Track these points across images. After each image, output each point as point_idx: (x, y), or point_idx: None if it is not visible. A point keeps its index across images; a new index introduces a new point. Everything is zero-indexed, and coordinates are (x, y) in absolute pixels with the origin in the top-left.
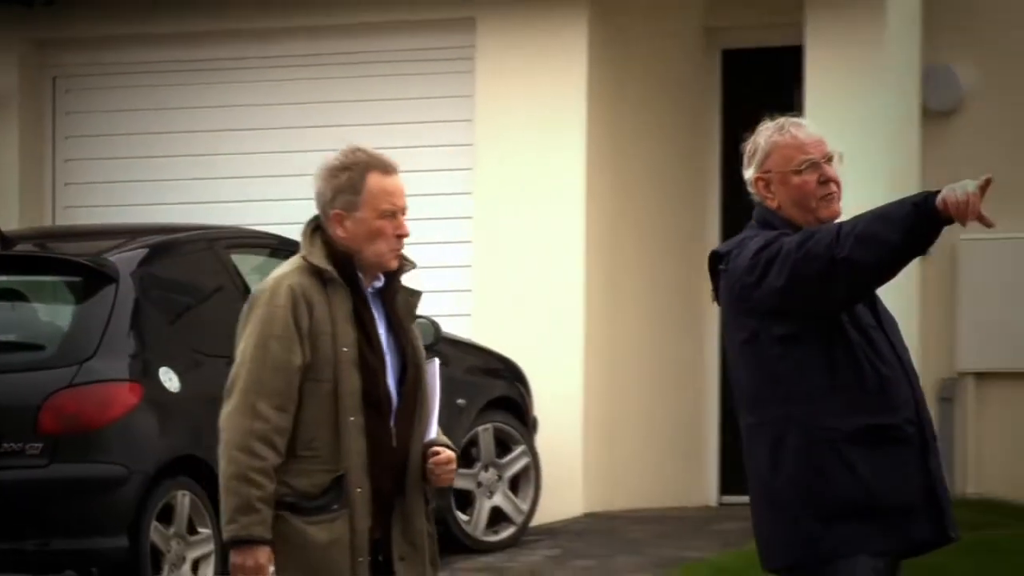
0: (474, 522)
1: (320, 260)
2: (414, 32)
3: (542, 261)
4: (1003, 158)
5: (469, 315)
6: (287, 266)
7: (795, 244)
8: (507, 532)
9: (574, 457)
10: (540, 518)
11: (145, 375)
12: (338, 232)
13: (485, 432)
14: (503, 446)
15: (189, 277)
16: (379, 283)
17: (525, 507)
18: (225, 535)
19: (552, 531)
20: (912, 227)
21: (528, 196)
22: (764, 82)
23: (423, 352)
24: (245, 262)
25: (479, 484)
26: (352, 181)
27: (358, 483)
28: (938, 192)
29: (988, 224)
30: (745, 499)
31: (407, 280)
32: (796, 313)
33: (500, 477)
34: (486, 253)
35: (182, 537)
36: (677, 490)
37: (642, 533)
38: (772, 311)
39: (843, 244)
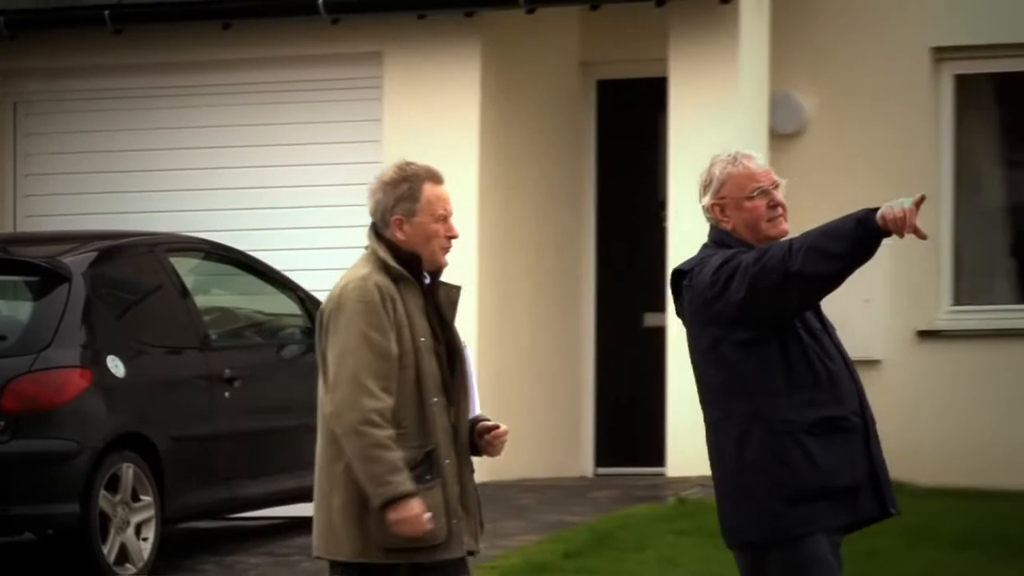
0: None
1: (394, 262)
2: (331, 63)
3: None
4: (840, 175)
5: None
6: (363, 267)
7: (752, 260)
8: None
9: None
10: None
11: (94, 362)
12: (398, 235)
13: None
14: None
15: (133, 277)
16: (427, 280)
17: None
18: (380, 498)
19: None
20: (856, 240)
21: None
22: (634, 109)
23: (461, 339)
24: (181, 264)
25: None
26: (411, 190)
27: (446, 455)
28: (877, 209)
29: (922, 236)
30: (616, 470)
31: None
32: (755, 320)
33: None
34: None
35: (127, 504)
36: (558, 463)
37: (528, 500)
38: (734, 320)
39: (795, 258)
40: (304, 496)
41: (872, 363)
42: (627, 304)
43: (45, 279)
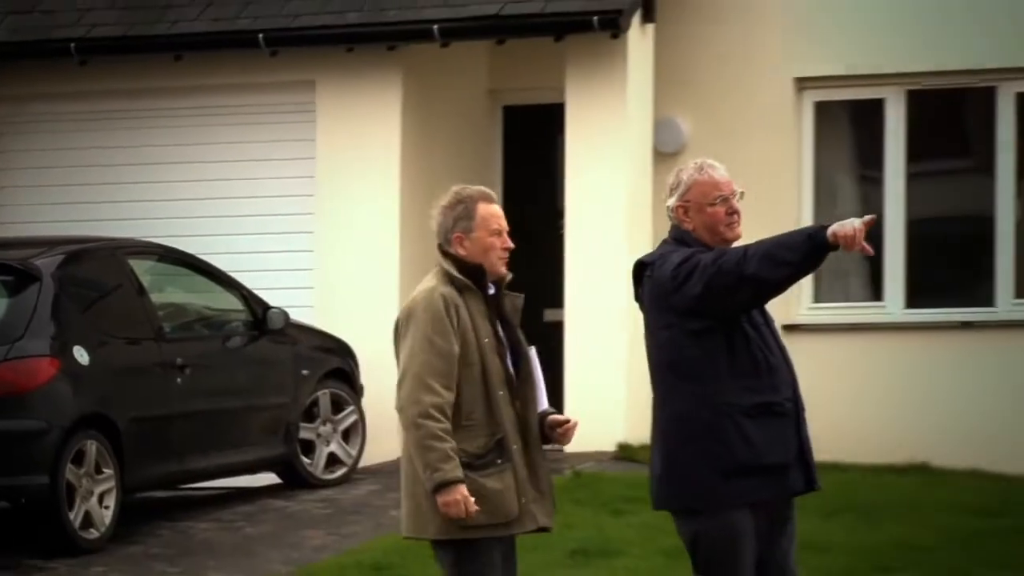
0: (315, 464)
1: (458, 273)
2: (270, 90)
3: (367, 268)
4: None
5: (312, 307)
6: (431, 280)
7: (710, 261)
8: (340, 472)
9: (391, 414)
10: (365, 461)
11: (62, 352)
12: (459, 251)
13: (324, 395)
14: (337, 406)
15: (96, 277)
16: (491, 290)
17: (354, 453)
18: (431, 483)
19: (374, 471)
20: (807, 252)
21: (355, 216)
22: (535, 131)
23: (525, 343)
24: (139, 265)
25: (319, 435)
26: (467, 210)
27: (514, 441)
28: (826, 227)
29: (869, 253)
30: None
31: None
32: (708, 313)
33: (335, 430)
34: (323, 261)
35: (91, 476)
36: None
37: None
38: (688, 311)
39: (750, 263)
40: (248, 469)
41: None
42: (529, 301)
43: (18, 278)
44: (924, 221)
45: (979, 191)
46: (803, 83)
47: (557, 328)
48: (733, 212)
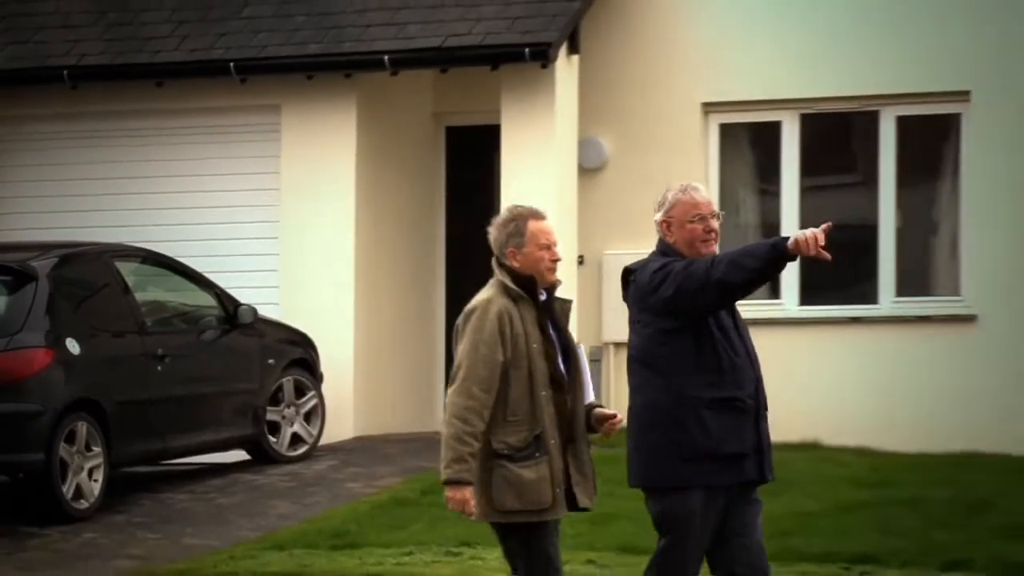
0: (280, 442)
1: (512, 284)
2: (240, 112)
3: (326, 269)
4: (631, 201)
5: (277, 304)
6: (488, 291)
7: (681, 267)
8: (302, 449)
9: (347, 399)
10: (324, 440)
11: (56, 343)
12: (513, 264)
13: (288, 382)
14: (299, 391)
15: (86, 277)
16: (544, 297)
17: (314, 433)
18: (443, 477)
19: (333, 449)
20: (769, 260)
21: (315, 224)
22: (475, 149)
23: (575, 342)
24: (124, 267)
25: (283, 417)
26: (518, 226)
27: (552, 437)
28: (788, 237)
29: (825, 258)
30: None
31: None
32: (678, 313)
33: (297, 412)
34: (288, 263)
35: (81, 453)
36: (416, 421)
37: (393, 450)
38: (662, 312)
39: (717, 268)
40: (220, 446)
41: None
42: (470, 298)
43: (17, 278)
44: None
45: (864, 202)
46: (709, 107)
47: None
48: (710, 230)
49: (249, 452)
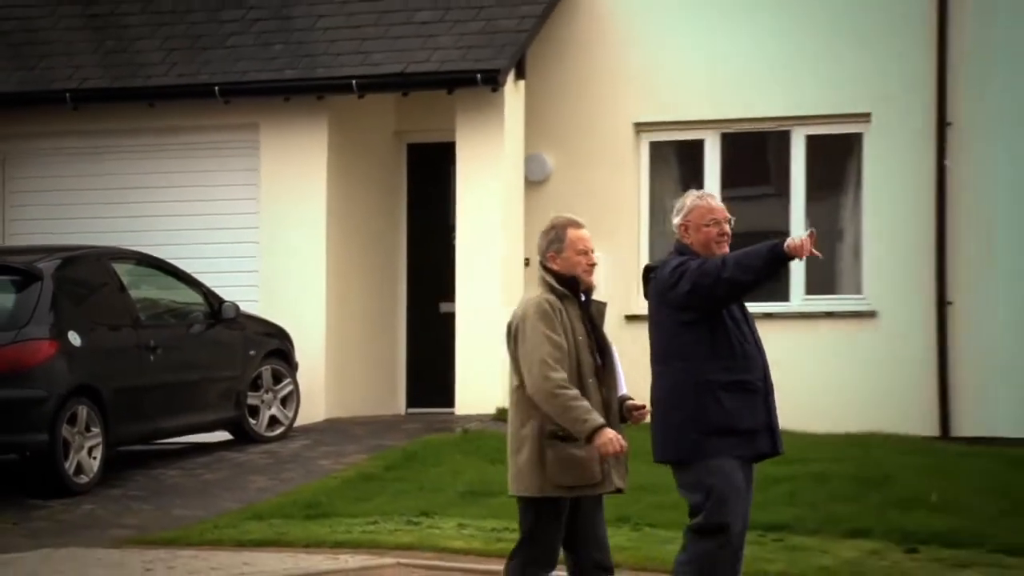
0: (259, 424)
1: (557, 284)
2: (224, 130)
3: (300, 269)
4: (572, 210)
5: (257, 301)
6: (537, 290)
7: (696, 265)
8: (279, 430)
9: (319, 386)
10: (299, 422)
11: (59, 336)
12: (554, 267)
13: (266, 370)
14: (277, 378)
15: (86, 277)
16: (583, 298)
17: (290, 415)
18: (584, 432)
19: (306, 430)
20: (768, 260)
21: (290, 229)
22: (433, 164)
23: (609, 341)
24: (120, 267)
25: (262, 401)
26: (558, 234)
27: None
28: (782, 242)
29: (817, 255)
30: (421, 410)
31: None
32: (695, 307)
33: (275, 397)
34: (266, 264)
35: (81, 434)
36: (381, 404)
37: (360, 431)
38: (681, 305)
39: (726, 267)
40: (206, 428)
41: None
42: (429, 297)
43: (24, 278)
44: (735, 235)
45: (777, 212)
46: (640, 127)
47: (450, 317)
48: (723, 233)
49: (232, 433)
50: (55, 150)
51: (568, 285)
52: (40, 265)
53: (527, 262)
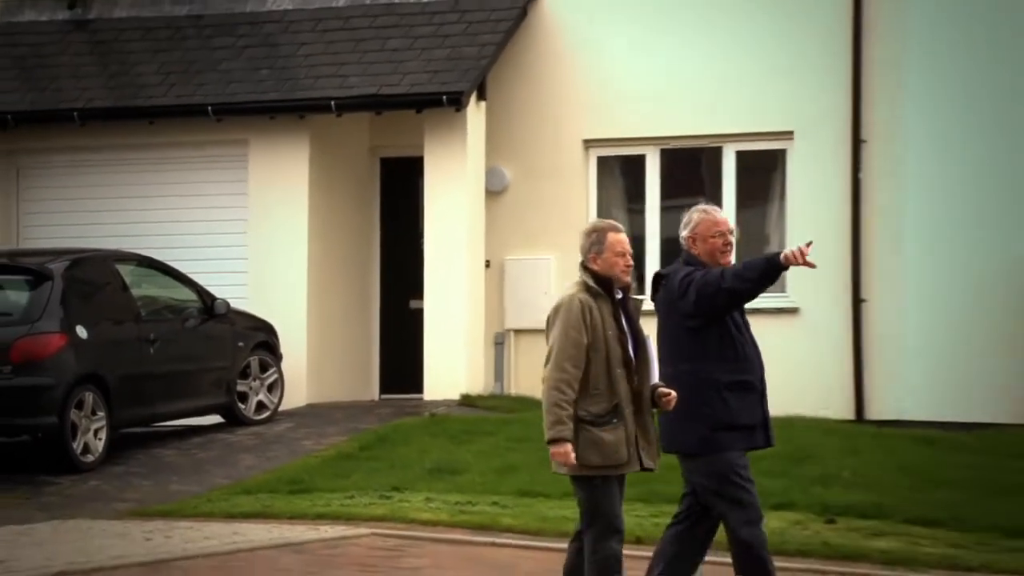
0: (248, 409)
1: (593, 283)
2: (216, 146)
3: (284, 270)
4: (529, 218)
5: (246, 298)
6: (573, 288)
7: (700, 276)
8: (265, 414)
9: (301, 374)
10: (283, 407)
11: (68, 329)
12: (594, 267)
13: (254, 360)
14: (263, 367)
15: (92, 276)
16: (619, 295)
17: (275, 401)
18: (548, 436)
19: (290, 414)
20: (765, 271)
21: (275, 234)
22: (404, 176)
23: (644, 332)
24: (123, 268)
25: (250, 388)
26: (599, 237)
27: (626, 407)
28: (779, 253)
29: (812, 266)
30: (392, 396)
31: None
32: (701, 315)
33: (262, 384)
34: (254, 265)
35: (88, 417)
36: (357, 391)
37: (338, 415)
38: (688, 313)
39: (726, 279)
40: (200, 412)
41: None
42: (399, 294)
43: (36, 277)
44: (673, 240)
45: None
46: (589, 143)
47: (419, 313)
48: (727, 244)
49: (223, 416)
50: (64, 163)
51: (603, 284)
52: (51, 266)
53: (488, 264)
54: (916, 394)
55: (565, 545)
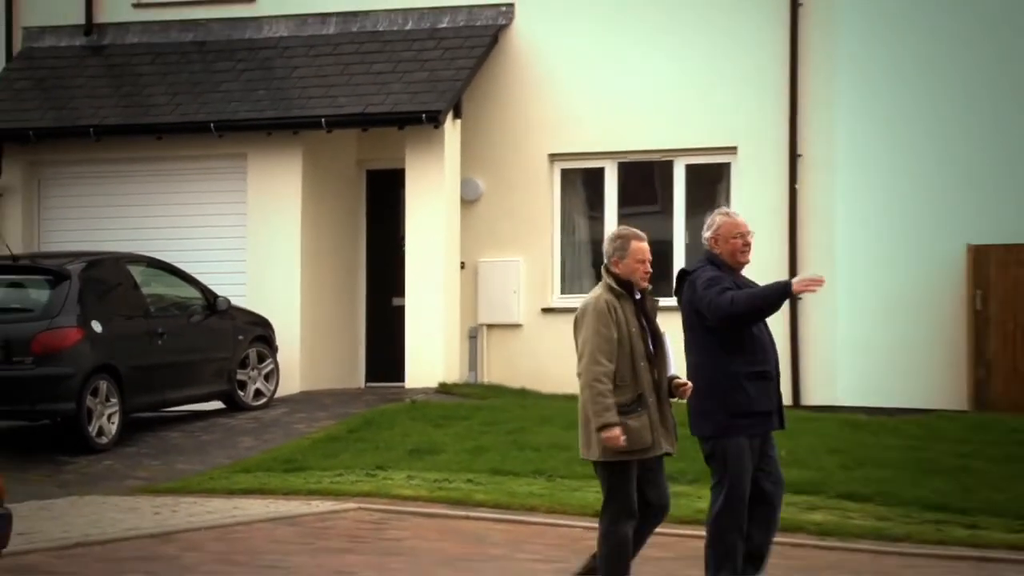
0: (247, 396)
1: (616, 285)
2: (217, 159)
3: (279, 272)
4: (498, 225)
5: (245, 296)
6: (598, 290)
7: (715, 294)
8: (262, 401)
9: (295, 364)
10: (278, 394)
11: (85, 324)
12: (616, 270)
13: (252, 352)
14: (261, 358)
15: (106, 276)
16: (638, 296)
17: (272, 388)
18: (598, 423)
19: (285, 400)
20: (776, 300)
21: (272, 239)
22: (388, 187)
23: (661, 330)
24: (134, 269)
25: (249, 377)
26: (623, 243)
27: (649, 396)
28: (790, 283)
29: (815, 291)
30: (377, 384)
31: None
32: (714, 325)
33: (259, 374)
34: (252, 267)
35: (102, 403)
36: (345, 379)
37: (328, 401)
38: (704, 317)
39: (737, 305)
40: (203, 399)
41: (517, 326)
42: (384, 293)
43: (56, 277)
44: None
45: (663, 225)
46: (554, 157)
47: (401, 310)
48: (747, 244)
49: (224, 402)
50: (81, 174)
51: (625, 286)
52: (69, 267)
53: (463, 265)
54: (847, 382)
55: (532, 518)
